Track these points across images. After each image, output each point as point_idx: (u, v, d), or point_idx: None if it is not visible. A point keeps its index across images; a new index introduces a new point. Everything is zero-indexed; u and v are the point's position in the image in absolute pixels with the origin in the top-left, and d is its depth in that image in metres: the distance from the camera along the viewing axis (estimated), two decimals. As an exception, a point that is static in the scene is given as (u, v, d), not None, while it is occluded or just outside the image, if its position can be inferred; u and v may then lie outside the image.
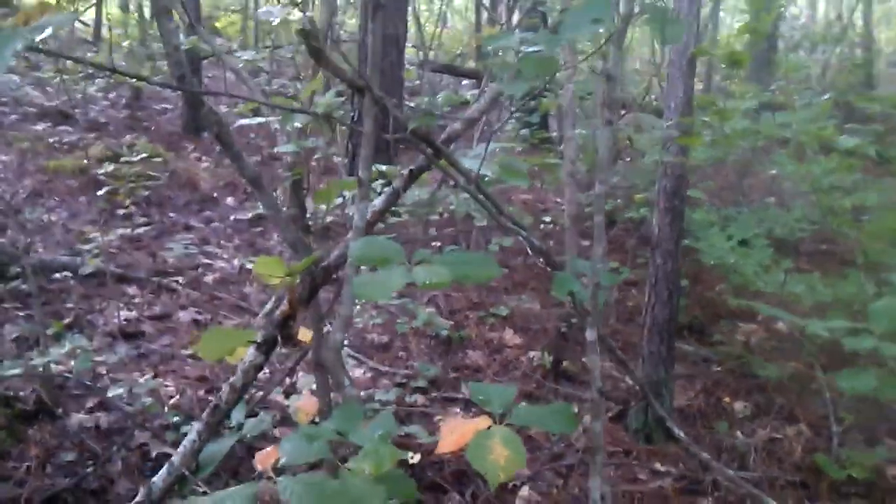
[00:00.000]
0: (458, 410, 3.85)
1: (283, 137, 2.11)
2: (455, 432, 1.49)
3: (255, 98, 1.85)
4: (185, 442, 1.65)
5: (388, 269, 1.43)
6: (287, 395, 3.59)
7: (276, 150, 2.59)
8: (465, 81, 11.55)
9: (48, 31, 1.27)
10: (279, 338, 1.69)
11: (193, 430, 1.66)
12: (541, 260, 1.91)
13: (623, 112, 7.20)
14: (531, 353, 4.40)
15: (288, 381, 3.65)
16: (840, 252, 5.83)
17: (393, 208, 2.69)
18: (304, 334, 1.74)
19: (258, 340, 1.69)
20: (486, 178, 1.75)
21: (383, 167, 4.48)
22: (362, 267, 1.62)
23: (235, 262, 5.40)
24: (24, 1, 10.28)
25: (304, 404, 1.67)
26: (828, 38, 11.95)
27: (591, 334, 1.41)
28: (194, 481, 1.62)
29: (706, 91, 9.34)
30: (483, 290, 5.23)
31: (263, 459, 1.42)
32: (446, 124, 2.04)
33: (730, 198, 6.94)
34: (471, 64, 11.94)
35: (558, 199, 7.37)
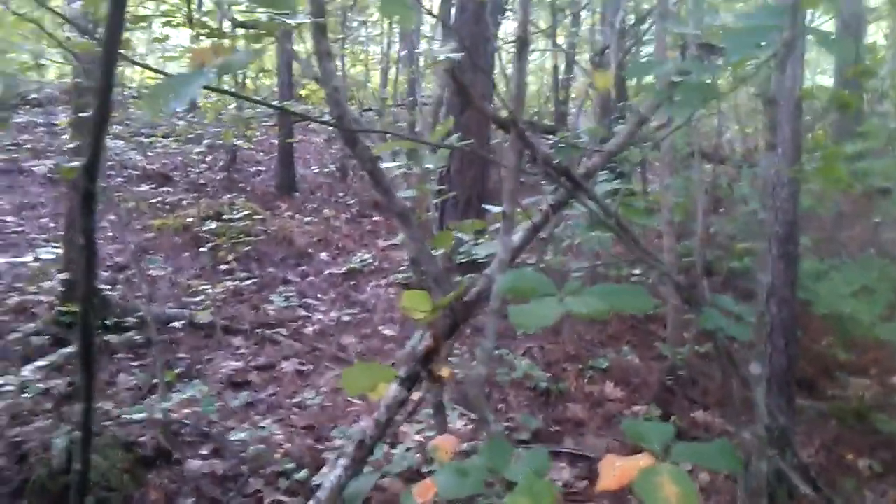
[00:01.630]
0: (563, 465, 3.76)
1: (404, 183, 2.18)
2: (615, 470, 1.44)
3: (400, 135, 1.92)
4: (331, 477, 1.66)
5: (540, 300, 1.44)
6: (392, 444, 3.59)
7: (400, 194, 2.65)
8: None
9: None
10: (422, 373, 1.71)
11: (339, 466, 1.67)
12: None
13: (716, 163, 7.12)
14: (635, 408, 4.28)
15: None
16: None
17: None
18: (444, 370, 1.75)
19: (402, 376, 1.71)
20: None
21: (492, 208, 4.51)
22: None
23: (332, 314, 5.50)
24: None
25: (443, 442, 1.67)
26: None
27: (755, 367, 1.37)
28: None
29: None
30: (579, 342, 5.15)
31: (422, 492, 1.42)
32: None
33: (827, 249, 6.69)
34: (547, 121, 12.13)
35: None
